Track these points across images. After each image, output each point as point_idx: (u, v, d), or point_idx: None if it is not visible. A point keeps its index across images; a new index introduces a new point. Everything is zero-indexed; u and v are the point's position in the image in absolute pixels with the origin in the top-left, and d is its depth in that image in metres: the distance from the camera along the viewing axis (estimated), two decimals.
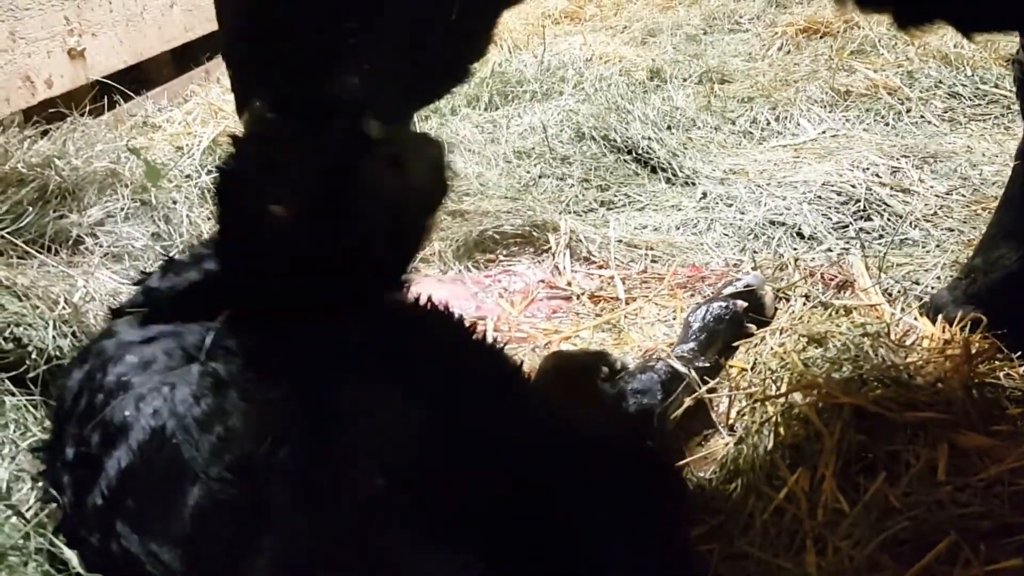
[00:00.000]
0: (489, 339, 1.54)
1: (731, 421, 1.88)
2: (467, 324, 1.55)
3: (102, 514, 1.25)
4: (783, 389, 1.80)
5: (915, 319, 2.14)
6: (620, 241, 2.83)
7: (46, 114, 3.22)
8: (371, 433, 1.22)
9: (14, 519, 1.48)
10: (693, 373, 1.91)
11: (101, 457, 1.29)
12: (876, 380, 1.73)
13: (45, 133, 3.05)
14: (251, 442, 1.21)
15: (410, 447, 1.20)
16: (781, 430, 1.70)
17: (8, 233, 2.41)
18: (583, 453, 1.38)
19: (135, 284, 1.70)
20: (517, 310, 2.50)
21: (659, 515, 1.47)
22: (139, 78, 4.00)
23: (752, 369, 2.02)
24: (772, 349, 2.04)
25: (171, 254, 1.98)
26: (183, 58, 4.34)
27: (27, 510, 1.52)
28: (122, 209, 2.71)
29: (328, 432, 1.22)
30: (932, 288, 2.38)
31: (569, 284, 2.62)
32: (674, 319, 2.40)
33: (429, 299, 1.59)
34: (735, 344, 2.15)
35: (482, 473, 1.21)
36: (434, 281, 2.59)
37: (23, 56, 3.20)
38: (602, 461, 1.40)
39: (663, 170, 3.33)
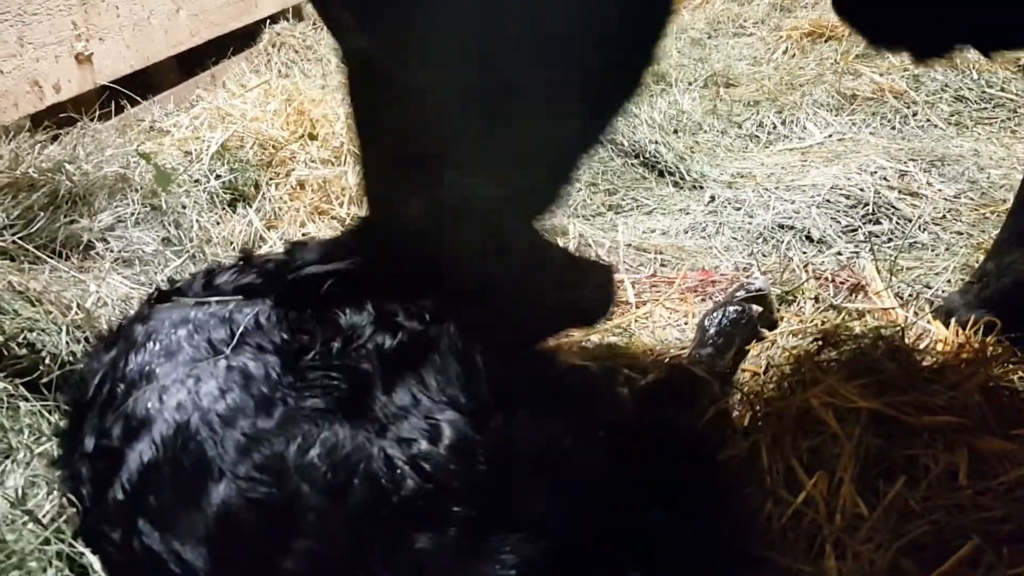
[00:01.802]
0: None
1: (746, 425, 1.88)
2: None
3: (123, 510, 1.23)
4: (799, 393, 1.79)
5: (928, 323, 2.14)
6: (629, 245, 2.83)
7: (55, 119, 3.21)
8: (406, 435, 1.22)
9: (31, 525, 1.47)
10: (715, 380, 1.90)
11: (122, 449, 1.27)
12: (892, 384, 1.72)
13: (55, 138, 3.04)
14: (280, 441, 1.20)
15: (445, 450, 1.19)
16: (798, 434, 1.69)
17: (20, 238, 2.40)
18: (625, 443, 1.37)
19: (207, 270, 1.71)
20: None
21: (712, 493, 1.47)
22: (145, 83, 3.99)
23: (765, 373, 2.01)
24: (785, 352, 2.03)
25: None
26: (189, 63, 4.33)
27: (44, 515, 1.51)
28: (132, 214, 2.69)
29: (360, 433, 1.22)
30: (942, 291, 2.38)
31: None
32: (685, 323, 2.40)
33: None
34: (747, 347, 2.15)
35: (516, 474, 1.21)
36: None
37: (31, 61, 3.19)
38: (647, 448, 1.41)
39: (671, 174, 3.34)
